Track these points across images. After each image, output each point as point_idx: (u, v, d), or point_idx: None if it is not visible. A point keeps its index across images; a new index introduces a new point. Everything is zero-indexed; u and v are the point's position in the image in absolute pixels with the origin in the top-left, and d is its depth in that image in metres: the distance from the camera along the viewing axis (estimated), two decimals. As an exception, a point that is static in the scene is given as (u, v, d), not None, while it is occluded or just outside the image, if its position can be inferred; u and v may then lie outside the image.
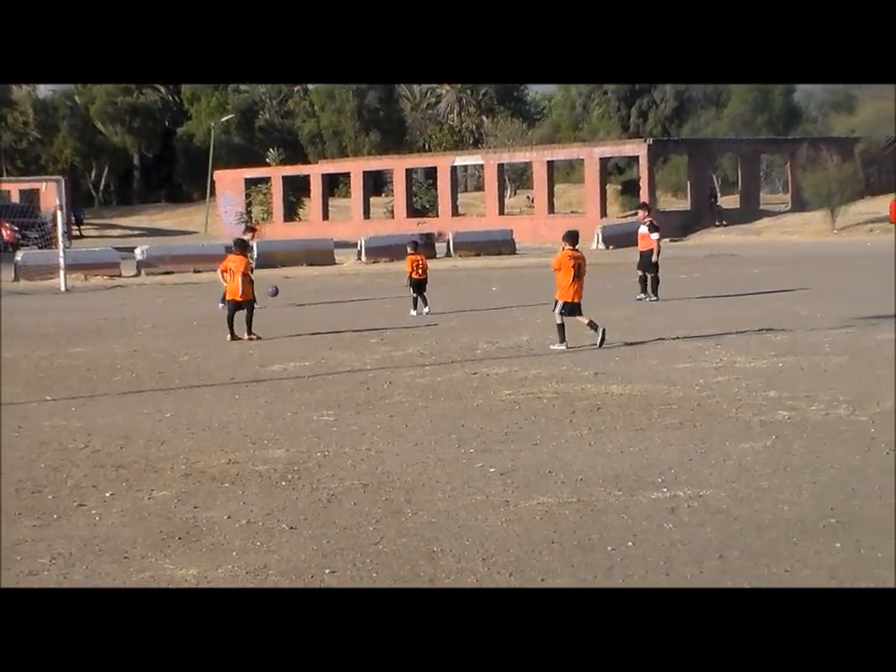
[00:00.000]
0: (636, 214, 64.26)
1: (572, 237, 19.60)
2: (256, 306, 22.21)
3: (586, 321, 19.10)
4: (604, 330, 18.78)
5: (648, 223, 27.47)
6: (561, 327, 18.99)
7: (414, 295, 26.09)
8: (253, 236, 29.38)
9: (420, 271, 26.20)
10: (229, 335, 21.41)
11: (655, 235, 26.96)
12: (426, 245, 53.07)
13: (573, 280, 19.18)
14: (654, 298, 26.57)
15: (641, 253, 27.28)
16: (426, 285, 26.36)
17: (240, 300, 21.75)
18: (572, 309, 19.20)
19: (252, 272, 22.99)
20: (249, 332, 21.55)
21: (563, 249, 19.57)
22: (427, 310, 25.75)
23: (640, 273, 27.21)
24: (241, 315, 21.66)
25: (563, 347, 18.65)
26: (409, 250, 27.06)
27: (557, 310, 19.13)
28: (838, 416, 12.71)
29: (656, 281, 26.81)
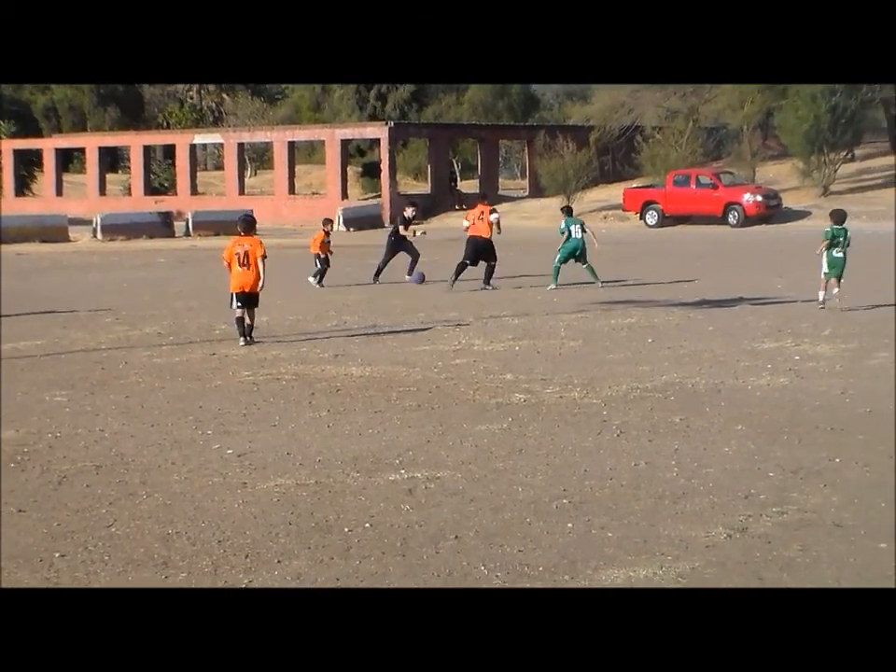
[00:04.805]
0: (379, 196, 64.85)
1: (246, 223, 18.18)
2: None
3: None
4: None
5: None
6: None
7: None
8: None
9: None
10: None
11: (494, 216, 26.56)
12: (163, 224, 52.46)
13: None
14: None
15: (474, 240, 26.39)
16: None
17: None
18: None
19: None
20: None
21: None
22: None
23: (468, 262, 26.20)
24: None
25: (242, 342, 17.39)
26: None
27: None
28: (572, 399, 12.97)
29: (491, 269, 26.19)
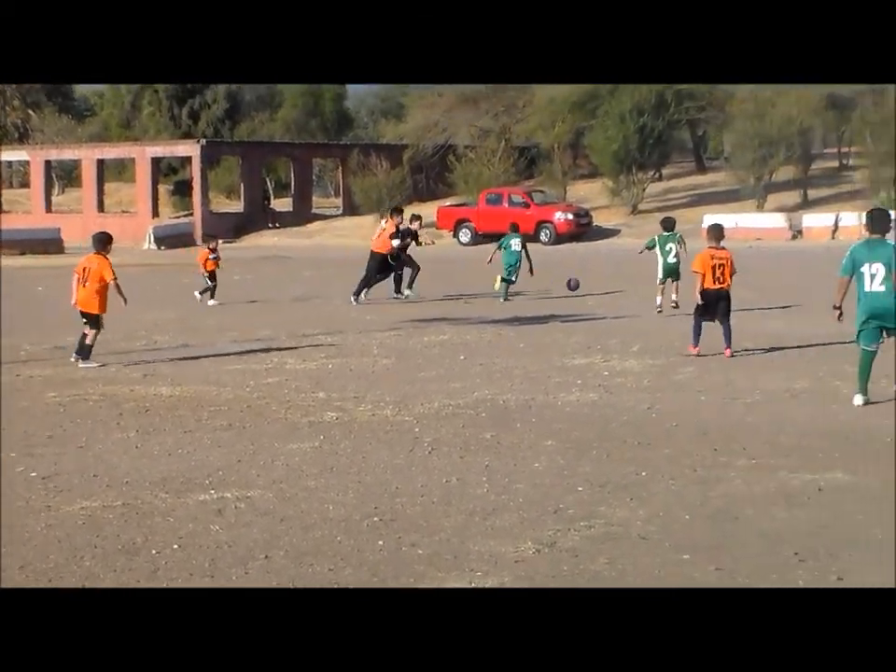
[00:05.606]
0: (191, 214, 64.17)
1: None
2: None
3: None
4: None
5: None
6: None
7: None
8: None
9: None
10: None
11: (396, 242, 26.65)
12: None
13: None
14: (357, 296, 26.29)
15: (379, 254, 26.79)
16: None
17: None
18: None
19: None
20: None
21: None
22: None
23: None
24: None
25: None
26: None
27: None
28: (384, 417, 12.98)
29: (368, 282, 26.49)
